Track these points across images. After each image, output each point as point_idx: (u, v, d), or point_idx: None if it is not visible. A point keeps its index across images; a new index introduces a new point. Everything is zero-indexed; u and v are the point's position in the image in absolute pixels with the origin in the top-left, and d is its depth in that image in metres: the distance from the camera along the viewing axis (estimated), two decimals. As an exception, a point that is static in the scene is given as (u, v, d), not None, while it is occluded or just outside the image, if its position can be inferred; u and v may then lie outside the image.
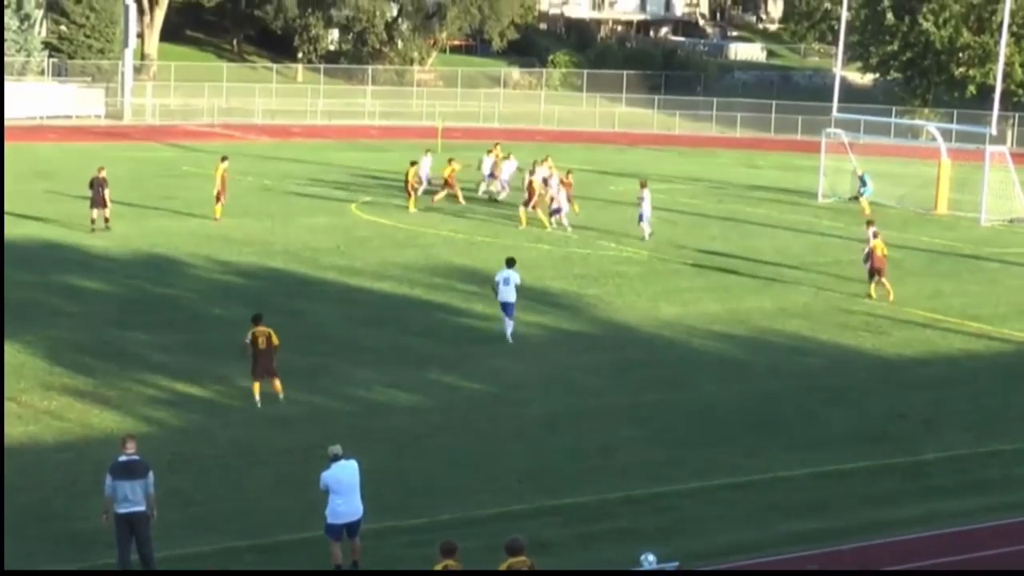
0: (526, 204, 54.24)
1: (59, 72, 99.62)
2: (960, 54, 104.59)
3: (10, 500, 22.44)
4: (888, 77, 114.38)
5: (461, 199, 58.03)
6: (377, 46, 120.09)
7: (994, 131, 64.19)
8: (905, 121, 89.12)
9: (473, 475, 25.88)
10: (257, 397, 29.40)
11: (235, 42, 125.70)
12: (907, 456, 27.87)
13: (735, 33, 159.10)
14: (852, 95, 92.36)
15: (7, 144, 57.53)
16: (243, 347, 29.71)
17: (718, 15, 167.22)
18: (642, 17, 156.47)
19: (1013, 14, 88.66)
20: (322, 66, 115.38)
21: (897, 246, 50.62)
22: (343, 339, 35.53)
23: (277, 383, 29.63)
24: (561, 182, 55.23)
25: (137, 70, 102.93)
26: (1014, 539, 23.88)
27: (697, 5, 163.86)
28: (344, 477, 21.24)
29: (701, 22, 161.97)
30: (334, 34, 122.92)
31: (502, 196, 60.47)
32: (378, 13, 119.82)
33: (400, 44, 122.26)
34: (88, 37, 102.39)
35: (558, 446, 27.78)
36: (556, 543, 22.65)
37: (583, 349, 35.81)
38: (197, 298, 39.49)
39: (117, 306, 38.37)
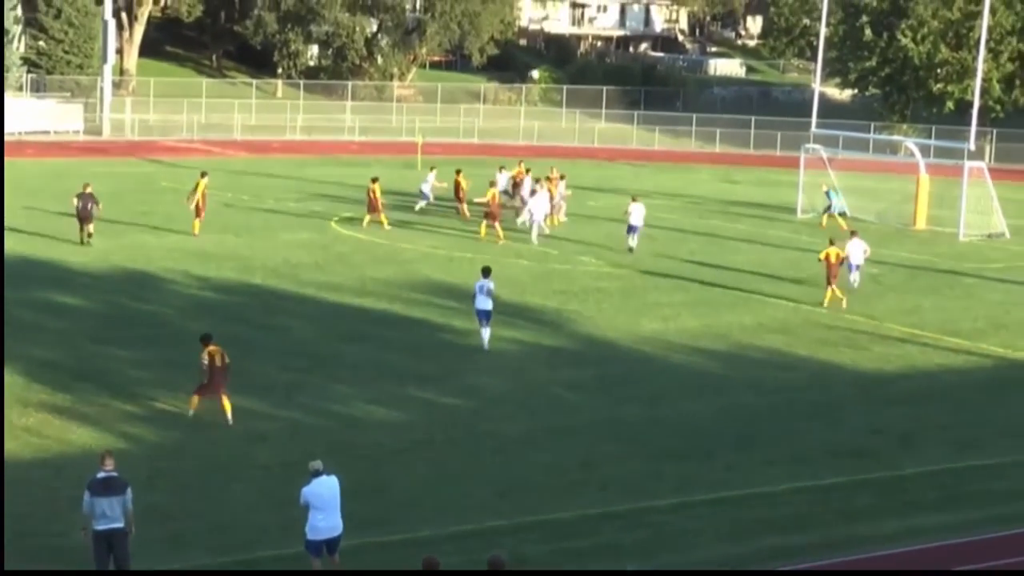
0: (488, 217, 54.42)
1: (38, 88, 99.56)
2: (938, 70, 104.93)
3: (-12, 517, 22.36)
4: (867, 93, 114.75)
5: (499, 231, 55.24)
6: (357, 62, 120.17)
7: (972, 147, 64.42)
8: (884, 137, 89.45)
9: (453, 491, 25.84)
10: (192, 411, 29.37)
11: (214, 57, 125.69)
12: (886, 471, 27.90)
13: (714, 49, 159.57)
14: (831, 111, 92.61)
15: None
16: (202, 369, 29.54)
17: (697, 31, 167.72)
18: (622, 33, 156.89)
19: (990, 30, 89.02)
20: (302, 81, 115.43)
21: (876, 261, 50.80)
22: (322, 355, 35.48)
23: (228, 405, 29.43)
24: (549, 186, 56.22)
25: (116, 85, 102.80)
26: (993, 554, 23.92)
27: (676, 21, 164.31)
28: (324, 493, 21.19)
29: (680, 38, 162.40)
30: (314, 50, 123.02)
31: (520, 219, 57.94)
32: (358, 29, 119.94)
33: (380, 60, 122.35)
34: (67, 53, 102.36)
35: (538, 461, 27.76)
36: (536, 559, 22.63)
37: (563, 364, 35.81)
38: (176, 314, 39.42)
39: (95, 322, 38.28)
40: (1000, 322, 42.97)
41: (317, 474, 21.28)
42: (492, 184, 56.91)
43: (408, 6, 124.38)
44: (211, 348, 29.43)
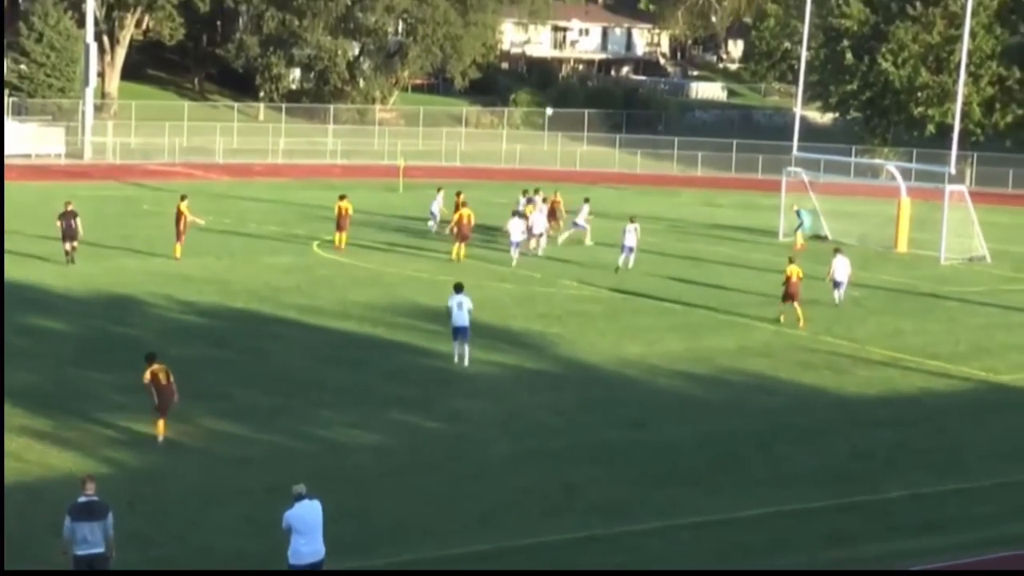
0: (460, 238, 54.52)
1: (19, 111, 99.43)
2: (919, 94, 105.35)
3: (-32, 542, 22.23)
4: (848, 116, 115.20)
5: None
6: (339, 85, 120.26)
7: (953, 170, 64.60)
8: (865, 160, 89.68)
9: (436, 515, 25.77)
10: (161, 437, 29.34)
11: (196, 81, 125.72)
12: (869, 495, 27.89)
13: (696, 72, 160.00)
14: (812, 134, 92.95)
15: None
16: (146, 388, 29.48)
17: (679, 54, 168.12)
18: (603, 56, 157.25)
19: (970, 54, 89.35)
20: (284, 105, 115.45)
21: (858, 284, 50.99)
22: (305, 379, 35.40)
23: (162, 424, 29.39)
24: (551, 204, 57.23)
25: (98, 109, 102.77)
26: (976, 577, 23.95)
27: (658, 45, 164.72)
28: (308, 516, 21.11)
29: (662, 61, 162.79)
30: (296, 73, 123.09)
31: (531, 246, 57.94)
32: (340, 52, 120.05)
33: (362, 83, 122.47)
34: (48, 76, 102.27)
35: (521, 485, 27.71)
36: (519, 583, 22.59)
37: (546, 388, 35.78)
38: (158, 338, 39.20)
39: (77, 346, 38.16)
40: (982, 346, 43.05)
41: (300, 498, 21.21)
42: (463, 205, 56.86)
43: (390, 29, 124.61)
44: (155, 367, 29.43)
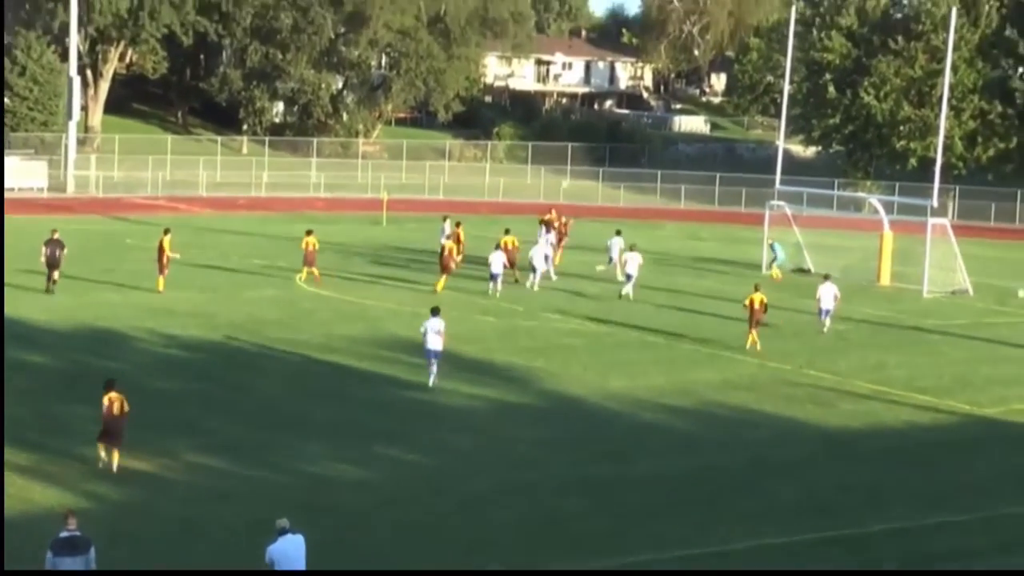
0: (445, 270, 54.59)
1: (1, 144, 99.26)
2: (901, 127, 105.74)
3: (-51, 578, 22.11)
4: (830, 150, 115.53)
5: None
6: (322, 118, 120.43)
7: (935, 203, 64.78)
8: (848, 193, 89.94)
9: (419, 549, 25.69)
10: (103, 456, 29.41)
11: (180, 114, 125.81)
12: (853, 528, 27.86)
13: (679, 106, 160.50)
14: (795, 167, 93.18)
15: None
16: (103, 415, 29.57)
17: (662, 88, 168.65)
18: (586, 90, 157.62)
19: (952, 88, 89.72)
20: (267, 138, 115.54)
21: (841, 318, 51.10)
22: (288, 412, 35.31)
23: (116, 455, 29.38)
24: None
25: (81, 142, 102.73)
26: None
27: (641, 78, 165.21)
28: (290, 551, 21.04)
29: (645, 95, 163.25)
30: (279, 106, 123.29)
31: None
32: (323, 86, 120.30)
33: (345, 116, 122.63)
34: (31, 110, 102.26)
35: (505, 519, 27.64)
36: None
37: (529, 421, 35.73)
38: (140, 372, 39.14)
39: (59, 379, 38.02)
40: (965, 379, 43.09)
41: (283, 532, 21.14)
42: (448, 237, 57.14)
43: (373, 63, 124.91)
44: (111, 395, 29.42)
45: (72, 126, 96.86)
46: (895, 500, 30.06)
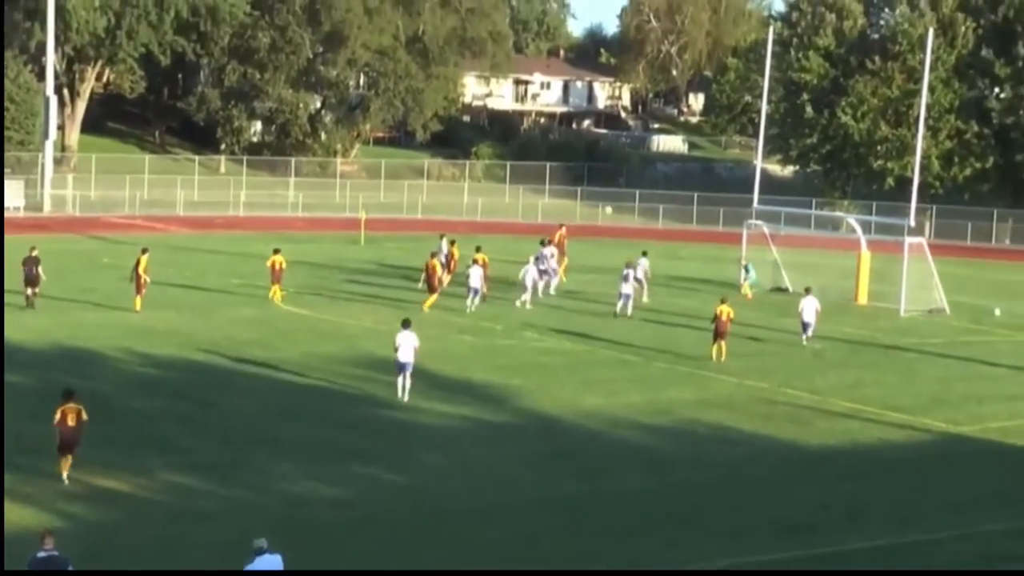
0: (432, 289, 54.60)
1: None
2: (878, 147, 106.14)
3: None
4: (808, 169, 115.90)
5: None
6: (300, 138, 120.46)
7: (912, 223, 64.94)
8: (825, 213, 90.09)
9: (396, 568, 25.63)
10: (66, 473, 29.47)
11: (157, 134, 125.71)
12: (830, 547, 27.88)
13: (657, 125, 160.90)
14: (773, 187, 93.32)
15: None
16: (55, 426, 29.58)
17: (640, 107, 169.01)
18: (565, 109, 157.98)
19: (929, 108, 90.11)
20: (245, 158, 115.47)
21: (819, 337, 51.24)
22: (265, 432, 35.25)
23: (69, 461, 29.53)
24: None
25: (58, 162, 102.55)
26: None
27: (619, 98, 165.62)
28: (267, 571, 20.96)
29: (623, 114, 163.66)
30: (257, 126, 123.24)
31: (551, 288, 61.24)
32: (301, 105, 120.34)
33: (323, 136, 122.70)
34: (8, 128, 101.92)
35: (481, 538, 27.61)
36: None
37: (506, 439, 35.72)
38: (117, 391, 39.07)
39: (34, 399, 37.74)
40: (942, 397, 43.20)
41: (260, 552, 21.08)
42: (433, 255, 57.18)
43: (352, 83, 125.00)
44: (67, 406, 29.43)
45: (49, 145, 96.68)
46: (872, 518, 30.09)
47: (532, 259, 58.75)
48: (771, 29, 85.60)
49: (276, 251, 56.79)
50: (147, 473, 30.58)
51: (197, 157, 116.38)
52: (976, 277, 77.54)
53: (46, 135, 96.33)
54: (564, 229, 68.42)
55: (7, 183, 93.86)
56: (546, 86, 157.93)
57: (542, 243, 63.08)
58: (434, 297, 54.67)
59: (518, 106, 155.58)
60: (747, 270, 65.05)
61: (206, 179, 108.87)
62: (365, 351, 46.05)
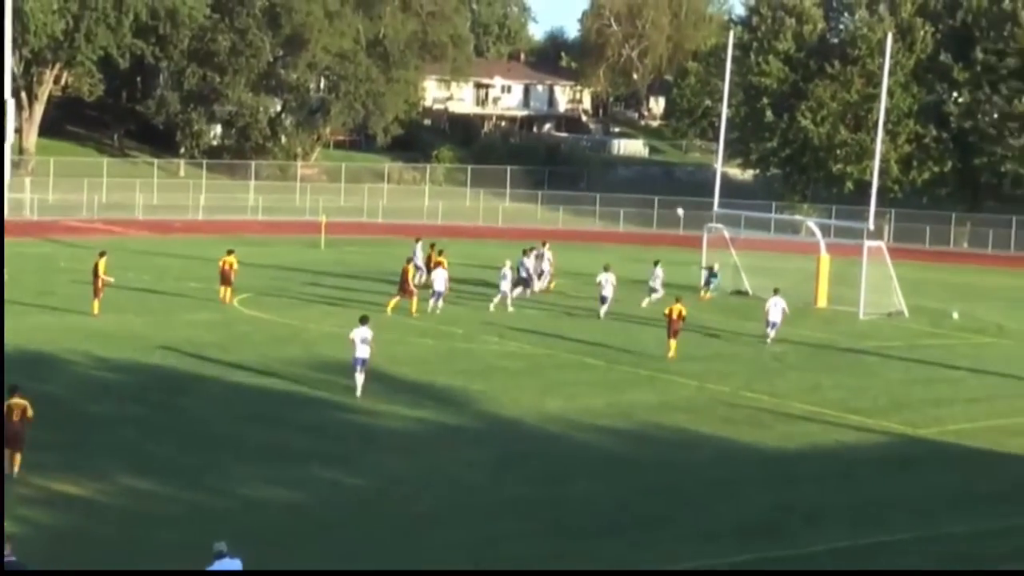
0: (402, 292, 54.54)
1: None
2: (837, 151, 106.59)
3: None
4: (768, 173, 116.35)
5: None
6: (260, 141, 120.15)
7: (871, 226, 65.15)
8: (785, 216, 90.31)
9: (356, 572, 25.52)
10: (16, 469, 29.46)
11: (116, 137, 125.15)
12: (790, 549, 27.91)
13: (617, 129, 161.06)
14: (733, 190, 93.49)
15: None
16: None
17: (601, 111, 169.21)
18: (525, 113, 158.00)
19: (888, 112, 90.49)
20: (204, 161, 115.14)
21: (779, 340, 51.40)
22: (224, 435, 35.10)
23: (18, 458, 29.50)
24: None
25: (15, 165, 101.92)
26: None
27: (580, 102, 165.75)
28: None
29: (584, 118, 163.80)
30: (217, 129, 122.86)
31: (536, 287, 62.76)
32: (261, 109, 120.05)
33: (283, 139, 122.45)
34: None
35: (443, 541, 27.53)
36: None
37: (468, 444, 35.66)
38: (75, 395, 38.85)
39: (-7, 403, 37.58)
40: (901, 400, 43.35)
41: (220, 556, 20.96)
42: (408, 260, 57.21)
43: (312, 86, 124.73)
44: (12, 401, 29.34)
45: (6, 149, 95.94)
46: (831, 521, 30.14)
47: (508, 264, 58.68)
48: (731, 33, 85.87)
49: (229, 252, 56.75)
50: (106, 477, 30.38)
51: (156, 160, 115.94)
52: (935, 280, 77.90)
53: (3, 138, 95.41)
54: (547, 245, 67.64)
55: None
56: (507, 90, 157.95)
57: (524, 252, 63.10)
58: (397, 300, 54.56)
59: (479, 110, 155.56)
60: (714, 275, 65.16)
61: (165, 182, 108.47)
62: (325, 355, 45.90)
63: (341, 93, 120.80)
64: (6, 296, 52.25)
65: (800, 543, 28.32)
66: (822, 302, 64.06)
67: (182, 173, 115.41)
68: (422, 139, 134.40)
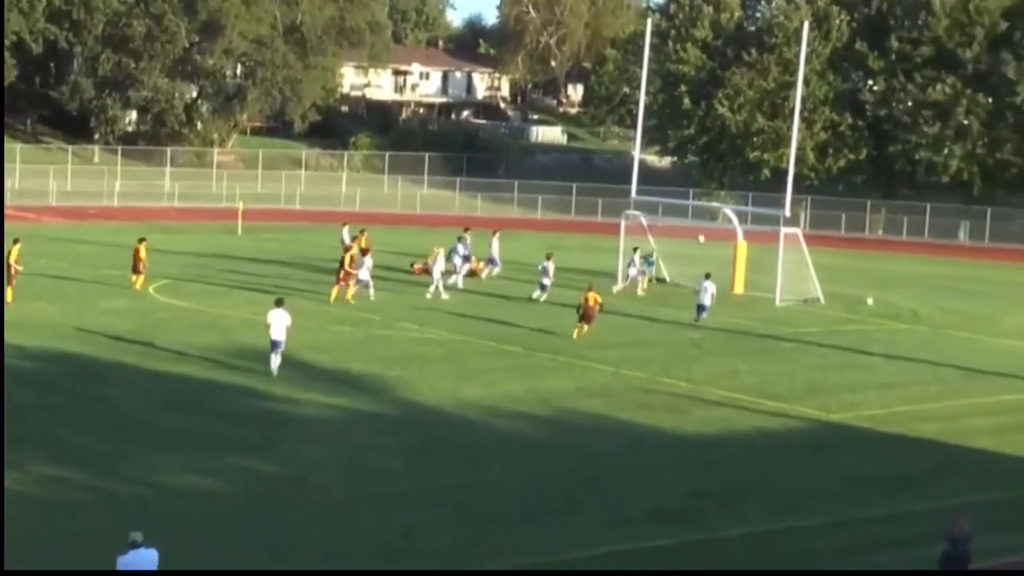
0: (345, 278, 54.44)
1: None
2: (754, 138, 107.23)
3: None
4: (686, 160, 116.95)
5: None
6: (176, 127, 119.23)
7: (788, 213, 65.61)
8: (702, 203, 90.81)
9: (274, 562, 25.45)
10: None
11: (29, 123, 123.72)
12: (706, 534, 28.10)
13: (536, 116, 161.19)
14: (651, 178, 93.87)
15: None
16: None
17: (519, 98, 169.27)
18: (444, 100, 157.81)
19: (804, 100, 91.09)
20: (119, 147, 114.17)
21: (695, 326, 51.61)
22: (140, 423, 34.85)
23: None
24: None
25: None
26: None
27: (498, 89, 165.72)
28: (141, 566, 20.66)
29: (502, 105, 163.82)
30: (132, 115, 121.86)
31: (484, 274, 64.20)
32: (177, 95, 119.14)
33: (200, 126, 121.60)
34: None
35: (359, 530, 27.49)
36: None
37: (385, 431, 35.62)
38: (-12, 383, 38.43)
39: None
40: (817, 386, 43.70)
41: (135, 545, 20.77)
42: (347, 249, 57.13)
43: (229, 72, 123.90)
44: None
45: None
46: (746, 506, 30.36)
47: (442, 250, 58.56)
48: (649, 21, 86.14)
49: (141, 240, 56.55)
50: (19, 466, 30.04)
51: (70, 147, 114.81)
52: (850, 267, 78.60)
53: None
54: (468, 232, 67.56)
55: None
56: (425, 76, 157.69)
57: (460, 236, 63.23)
58: (338, 289, 54.36)
59: (397, 96, 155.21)
60: (650, 263, 64.70)
61: (80, 168, 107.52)
62: (242, 342, 45.69)
63: (258, 79, 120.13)
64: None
65: (716, 528, 28.52)
66: (739, 288, 64.46)
67: (96, 159, 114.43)
68: (340, 126, 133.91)
